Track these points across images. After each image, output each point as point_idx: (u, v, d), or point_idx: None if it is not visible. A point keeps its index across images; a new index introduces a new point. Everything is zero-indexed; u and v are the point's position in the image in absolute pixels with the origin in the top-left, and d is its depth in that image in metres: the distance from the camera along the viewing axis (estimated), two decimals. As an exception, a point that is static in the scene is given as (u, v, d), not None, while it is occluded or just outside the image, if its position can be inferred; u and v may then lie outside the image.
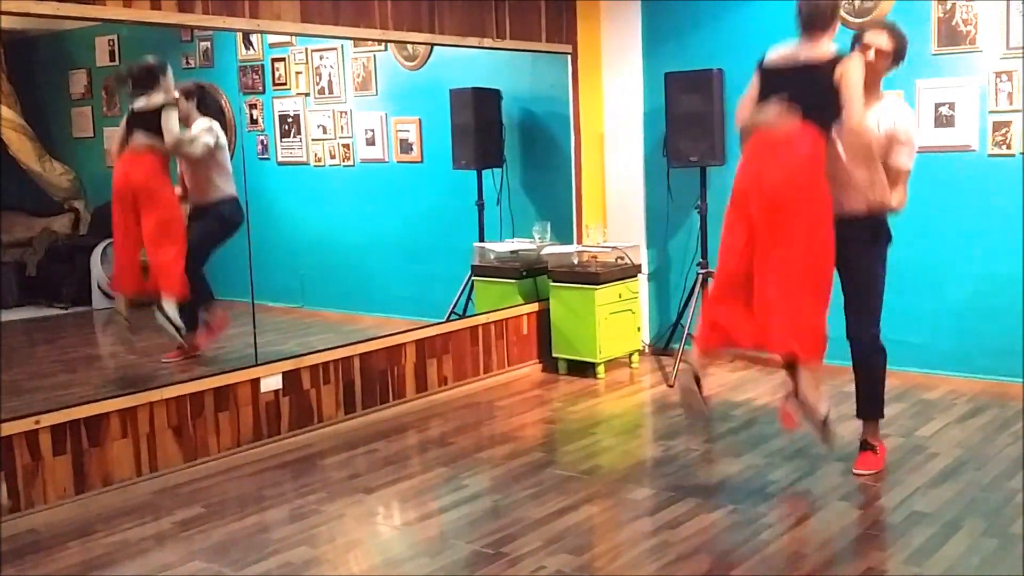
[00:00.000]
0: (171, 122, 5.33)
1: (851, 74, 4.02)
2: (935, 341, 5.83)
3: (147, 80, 5.39)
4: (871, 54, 4.21)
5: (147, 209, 5.29)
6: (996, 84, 5.48)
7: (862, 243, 4.37)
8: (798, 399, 4.13)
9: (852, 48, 4.31)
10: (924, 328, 5.83)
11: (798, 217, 4.00)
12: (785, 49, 4.18)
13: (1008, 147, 5.49)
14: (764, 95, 4.16)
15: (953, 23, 5.58)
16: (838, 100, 4.01)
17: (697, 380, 4.28)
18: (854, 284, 4.45)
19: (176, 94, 5.43)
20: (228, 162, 5.71)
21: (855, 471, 4.49)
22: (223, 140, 5.70)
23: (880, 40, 4.24)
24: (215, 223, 5.68)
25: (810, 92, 4.05)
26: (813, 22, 4.10)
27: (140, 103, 5.39)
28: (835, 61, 4.05)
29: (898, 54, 4.30)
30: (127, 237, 5.35)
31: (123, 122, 5.43)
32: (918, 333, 5.81)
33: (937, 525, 3.85)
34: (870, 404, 4.58)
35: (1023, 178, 5.45)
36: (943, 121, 5.65)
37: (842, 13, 5.90)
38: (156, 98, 5.35)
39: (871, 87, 4.19)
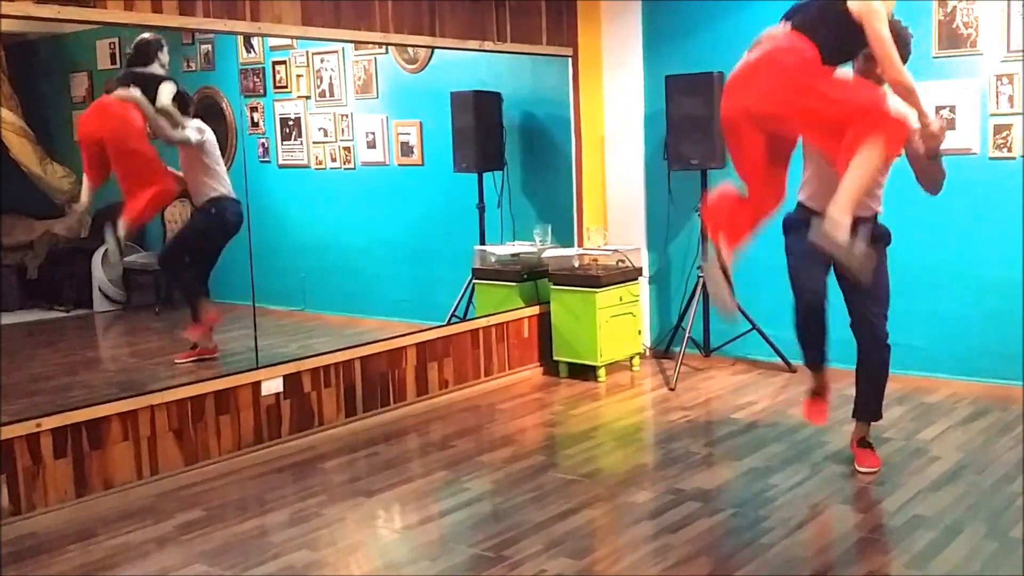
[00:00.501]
0: (165, 92, 5.40)
1: (878, 23, 3.80)
2: (936, 344, 5.82)
3: (143, 57, 5.43)
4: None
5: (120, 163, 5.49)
6: (997, 87, 5.48)
7: (874, 241, 4.36)
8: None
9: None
10: (925, 331, 5.82)
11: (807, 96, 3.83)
12: None
13: (1009, 150, 5.49)
14: None
15: (954, 26, 5.58)
16: (849, 36, 3.85)
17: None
18: (869, 283, 4.32)
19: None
20: (218, 163, 5.72)
21: (860, 468, 4.52)
22: (211, 140, 5.70)
23: None
24: (203, 221, 5.73)
25: (818, 17, 3.90)
26: None
27: (140, 69, 5.46)
28: None
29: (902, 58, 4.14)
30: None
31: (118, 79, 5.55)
32: (919, 336, 5.81)
33: (938, 529, 3.85)
34: (874, 404, 4.61)
35: (1022, 180, 5.44)
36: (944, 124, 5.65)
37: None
38: (155, 69, 5.41)
39: None
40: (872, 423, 4.66)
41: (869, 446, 4.62)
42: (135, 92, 5.39)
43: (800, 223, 4.36)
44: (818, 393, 4.68)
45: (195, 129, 5.61)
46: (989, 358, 5.66)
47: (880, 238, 4.48)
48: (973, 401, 5.53)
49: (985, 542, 3.71)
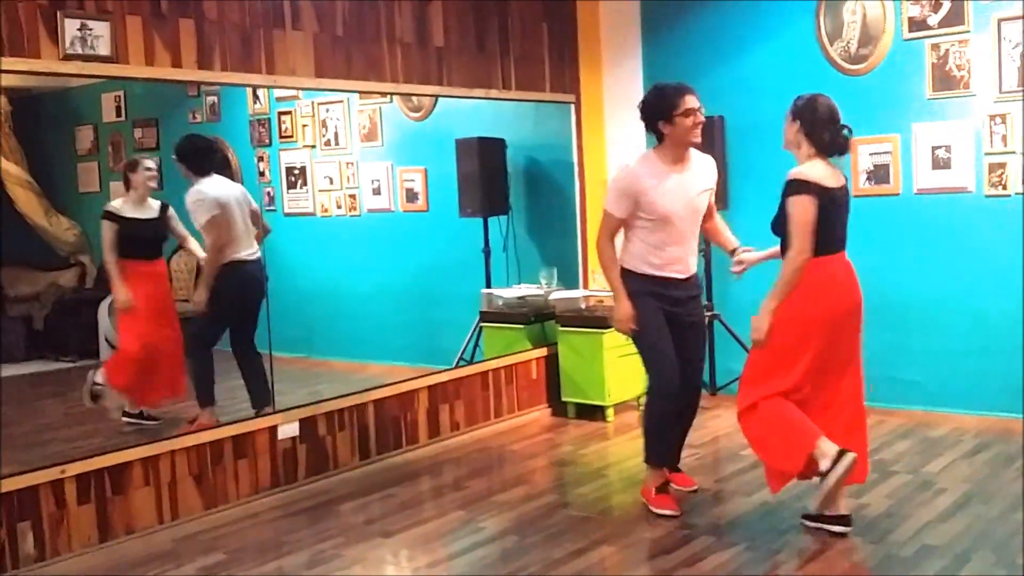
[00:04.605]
0: None
1: None
2: (938, 379, 5.91)
3: None
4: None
5: None
6: (991, 127, 5.62)
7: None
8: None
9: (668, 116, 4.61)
10: (927, 366, 5.91)
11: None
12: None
13: (1004, 188, 5.63)
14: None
15: (947, 68, 5.73)
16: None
17: None
18: (696, 337, 4.78)
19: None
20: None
21: (676, 487, 4.83)
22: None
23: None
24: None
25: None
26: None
27: None
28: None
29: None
30: None
31: None
32: (921, 371, 5.90)
33: (948, 558, 3.92)
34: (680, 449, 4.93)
35: (1021, 217, 5.56)
36: (940, 163, 5.79)
37: (838, 60, 6.10)
38: None
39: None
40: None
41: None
42: None
43: (649, 291, 4.60)
44: (664, 489, 4.75)
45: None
46: (991, 392, 5.75)
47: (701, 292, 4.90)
48: (977, 434, 5.62)
49: (994, 569, 3.79)
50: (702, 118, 4.58)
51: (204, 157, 5.63)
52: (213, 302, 5.49)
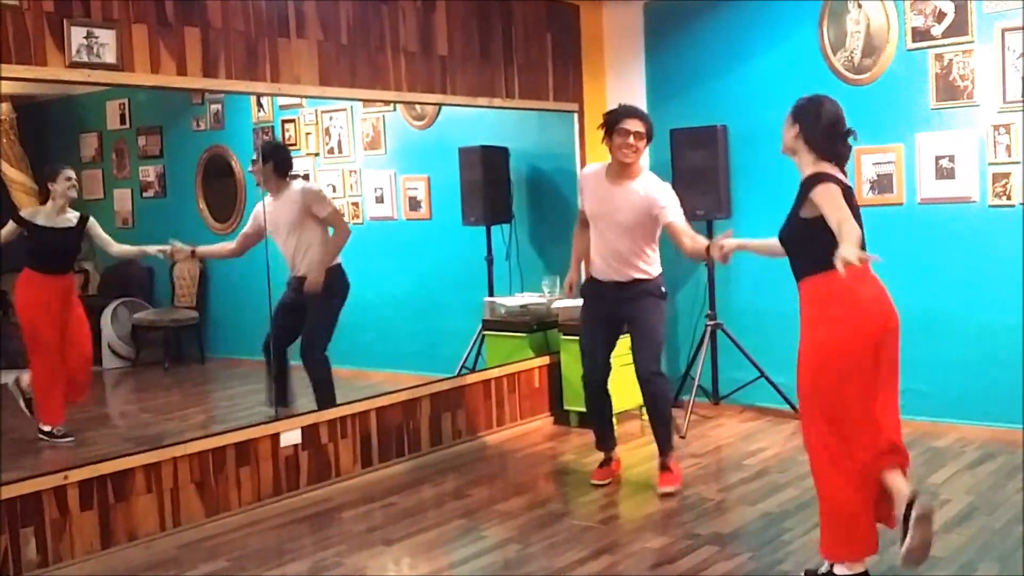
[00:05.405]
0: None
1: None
2: (942, 389, 5.90)
3: None
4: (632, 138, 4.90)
5: None
6: (995, 137, 5.61)
7: (651, 296, 5.10)
8: None
9: (611, 131, 4.97)
10: (931, 376, 5.89)
11: None
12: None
13: (1008, 198, 5.62)
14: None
15: (950, 78, 5.73)
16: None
17: None
18: (634, 331, 5.11)
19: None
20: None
21: (660, 490, 5.07)
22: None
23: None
24: None
25: None
26: None
27: None
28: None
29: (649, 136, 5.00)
30: None
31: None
32: (925, 381, 5.88)
33: (953, 568, 3.91)
34: (662, 434, 5.18)
35: (1023, 228, 5.56)
36: (943, 173, 5.78)
37: (841, 70, 6.11)
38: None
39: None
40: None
41: (668, 469, 5.12)
42: None
43: (590, 293, 5.19)
44: (603, 463, 5.39)
45: None
46: (995, 403, 5.73)
47: (653, 293, 5.08)
48: (981, 445, 5.60)
49: (999, 581, 3.79)
50: (633, 143, 4.88)
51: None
52: (328, 301, 5.72)
